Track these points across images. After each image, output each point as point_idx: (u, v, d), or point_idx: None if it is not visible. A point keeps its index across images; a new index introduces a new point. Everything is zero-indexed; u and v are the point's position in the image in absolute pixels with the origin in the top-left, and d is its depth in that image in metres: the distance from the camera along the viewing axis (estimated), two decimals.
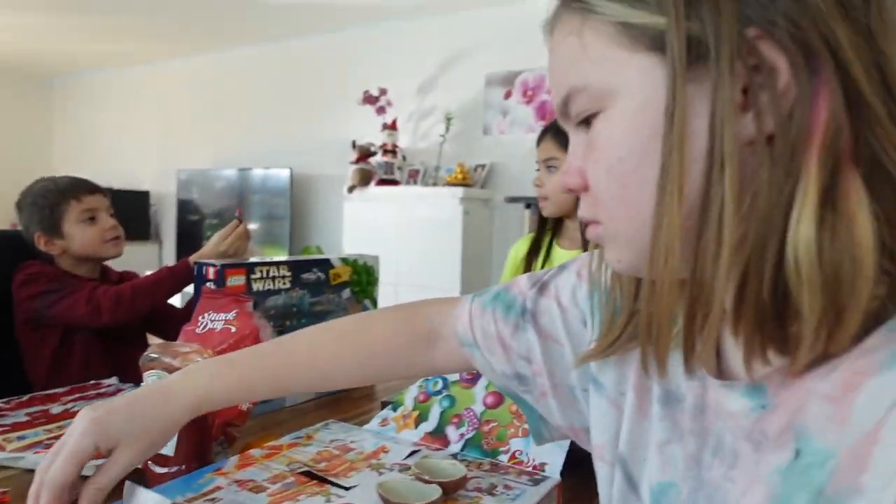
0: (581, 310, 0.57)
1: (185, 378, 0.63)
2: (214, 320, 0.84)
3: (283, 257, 1.19)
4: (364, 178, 3.95)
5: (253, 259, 1.12)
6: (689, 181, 0.37)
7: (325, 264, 1.23)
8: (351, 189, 3.97)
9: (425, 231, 3.74)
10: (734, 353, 0.43)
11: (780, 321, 0.36)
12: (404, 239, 3.80)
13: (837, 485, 0.33)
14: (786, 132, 0.35)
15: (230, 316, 0.84)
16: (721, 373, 0.45)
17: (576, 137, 0.44)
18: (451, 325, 0.65)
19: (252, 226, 4.67)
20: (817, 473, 0.34)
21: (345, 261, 1.28)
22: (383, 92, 4.10)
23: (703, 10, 0.36)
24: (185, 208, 5.09)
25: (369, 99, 4.11)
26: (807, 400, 0.36)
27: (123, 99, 5.85)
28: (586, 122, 0.42)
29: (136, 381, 1.21)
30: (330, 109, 4.58)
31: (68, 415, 1.01)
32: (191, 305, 1.07)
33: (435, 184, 3.92)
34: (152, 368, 0.75)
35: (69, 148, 6.30)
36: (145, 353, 0.76)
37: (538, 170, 1.61)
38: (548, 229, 1.66)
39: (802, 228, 0.34)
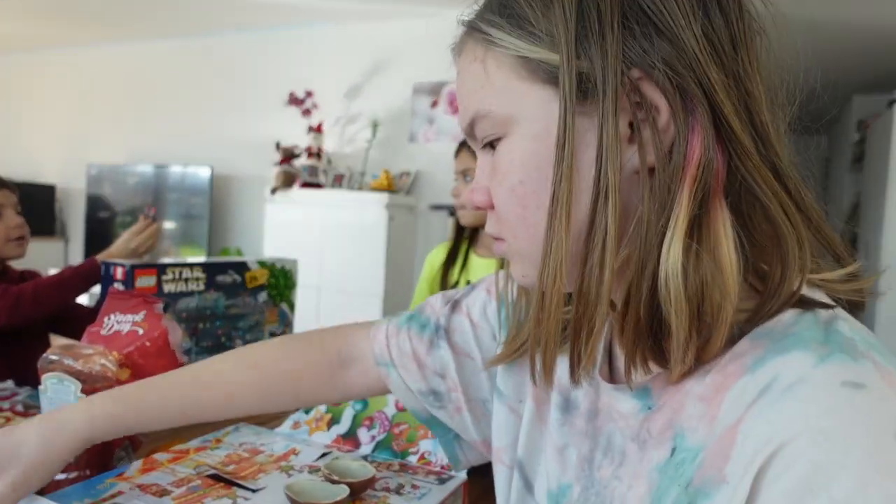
0: (491, 325, 0.60)
1: (77, 409, 0.60)
2: (121, 321, 0.82)
3: (197, 258, 1.16)
4: (287, 181, 3.89)
5: (165, 259, 1.09)
6: (577, 208, 0.40)
7: (241, 267, 1.22)
8: (274, 191, 3.90)
9: (349, 236, 3.72)
10: (623, 360, 0.47)
11: (656, 337, 0.39)
12: (327, 243, 3.77)
13: (702, 477, 0.36)
14: (664, 166, 0.38)
15: (138, 317, 0.82)
16: (612, 378, 0.49)
17: (482, 158, 0.46)
18: (366, 346, 0.66)
19: (168, 225, 4.52)
20: (688, 468, 0.37)
21: (262, 263, 1.26)
22: (309, 94, 4.06)
23: (591, 50, 0.38)
24: (95, 204, 4.84)
25: (295, 101, 4.06)
26: (685, 401, 0.40)
27: (29, 86, 5.51)
28: (491, 144, 0.45)
29: (36, 383, 1.16)
30: (254, 109, 4.48)
31: None
32: (99, 306, 1.03)
33: (360, 189, 3.91)
34: (52, 370, 0.72)
35: None
36: (45, 355, 0.73)
37: (456, 180, 1.65)
38: (464, 238, 1.70)
39: (672, 255, 0.37)
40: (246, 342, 1.23)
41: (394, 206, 3.70)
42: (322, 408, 0.83)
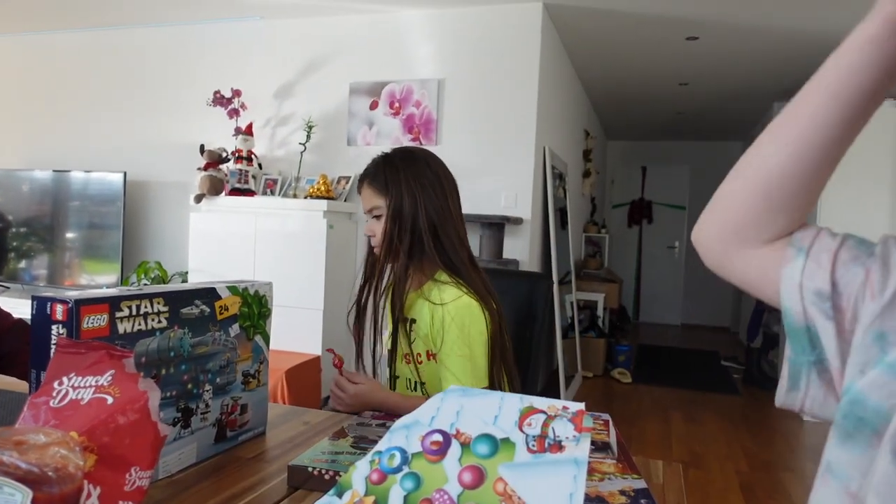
0: None
1: None
2: (79, 387, 0.59)
3: (156, 287, 0.93)
4: (214, 187, 3.57)
5: (113, 291, 0.85)
6: None
7: (209, 295, 0.99)
8: (199, 198, 3.56)
9: (284, 246, 3.45)
10: None
11: None
12: (260, 255, 3.48)
13: None
14: None
15: (104, 380, 0.60)
16: None
17: None
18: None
19: (70, 235, 4.05)
20: None
21: (233, 290, 1.04)
22: (237, 93, 3.75)
23: None
24: None
25: (220, 100, 3.74)
26: None
27: None
28: None
29: None
30: (174, 109, 4.11)
31: None
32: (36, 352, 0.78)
33: (295, 195, 3.64)
34: None
35: None
36: None
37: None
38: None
39: None
40: (216, 387, 1.00)
41: (332, 214, 3.46)
42: (359, 488, 0.63)
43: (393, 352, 1.40)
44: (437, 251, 1.34)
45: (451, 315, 1.31)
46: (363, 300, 1.42)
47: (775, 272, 0.58)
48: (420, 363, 1.37)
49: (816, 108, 0.54)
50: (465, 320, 1.31)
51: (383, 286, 1.41)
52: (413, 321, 1.38)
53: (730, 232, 0.61)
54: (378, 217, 1.37)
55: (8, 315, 1.24)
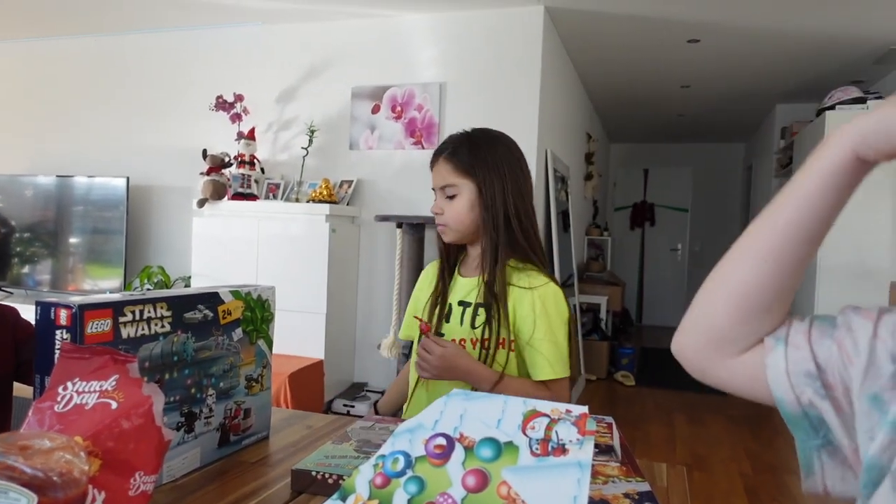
0: None
1: None
2: (83, 392, 0.59)
3: (159, 292, 0.93)
4: (217, 192, 3.58)
5: (116, 296, 0.86)
6: None
7: (212, 299, 0.99)
8: (202, 203, 3.57)
9: (287, 251, 3.46)
10: None
11: None
12: (263, 259, 3.49)
13: None
14: None
15: (108, 384, 0.60)
16: None
17: None
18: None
19: (73, 240, 4.06)
20: None
21: (236, 294, 1.04)
22: (239, 98, 3.77)
23: None
24: None
25: (223, 105, 3.75)
26: None
27: None
28: None
29: None
30: (176, 114, 4.12)
31: None
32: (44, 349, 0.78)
33: (297, 200, 3.65)
34: None
35: None
36: None
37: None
38: (452, 256, 1.50)
39: None
40: (220, 392, 1.01)
41: (335, 218, 3.47)
42: (363, 492, 0.64)
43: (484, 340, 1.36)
44: (522, 237, 1.33)
45: (543, 300, 1.30)
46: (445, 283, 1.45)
47: (763, 372, 0.59)
48: (487, 349, 1.32)
49: (787, 226, 0.56)
50: (552, 307, 1.31)
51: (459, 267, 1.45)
52: (479, 306, 1.35)
53: (713, 347, 0.62)
54: (451, 197, 1.35)
55: (28, 324, 1.25)
